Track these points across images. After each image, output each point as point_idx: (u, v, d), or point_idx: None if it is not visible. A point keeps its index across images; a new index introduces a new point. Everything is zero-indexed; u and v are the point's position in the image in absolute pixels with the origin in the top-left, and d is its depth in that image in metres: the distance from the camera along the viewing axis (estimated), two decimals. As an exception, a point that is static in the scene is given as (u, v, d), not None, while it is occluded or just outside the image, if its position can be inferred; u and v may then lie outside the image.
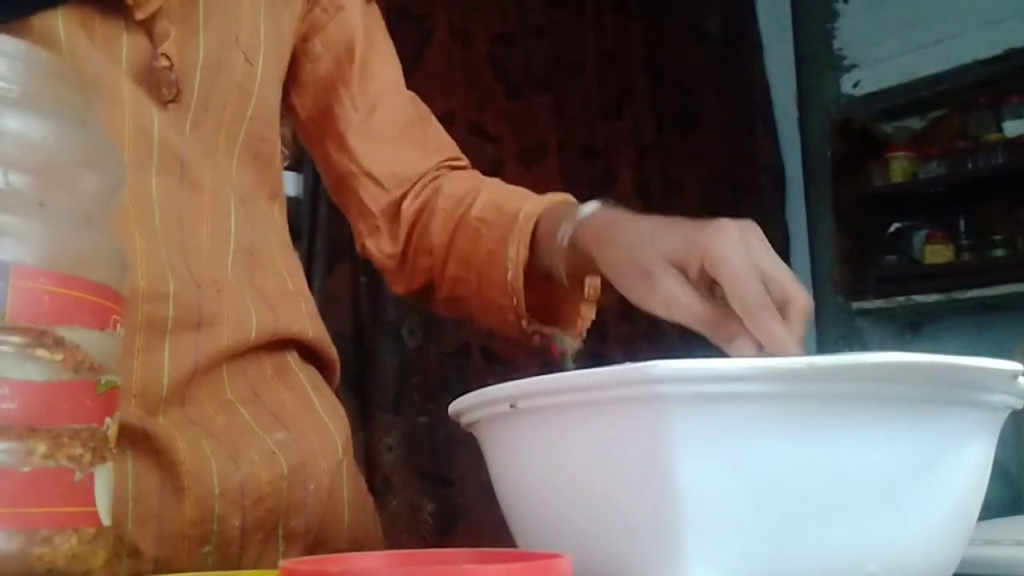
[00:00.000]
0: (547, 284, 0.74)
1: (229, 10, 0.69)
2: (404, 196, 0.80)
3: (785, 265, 0.57)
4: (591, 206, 0.68)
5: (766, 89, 3.06)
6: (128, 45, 0.64)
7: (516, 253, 0.72)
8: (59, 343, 0.34)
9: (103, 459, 0.36)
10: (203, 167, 0.67)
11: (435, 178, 0.82)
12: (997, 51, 2.64)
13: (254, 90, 0.70)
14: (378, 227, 0.81)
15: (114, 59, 0.63)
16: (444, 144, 0.85)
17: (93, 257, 0.37)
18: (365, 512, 0.75)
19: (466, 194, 0.78)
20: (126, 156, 0.63)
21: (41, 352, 0.34)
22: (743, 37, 3.05)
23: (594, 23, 2.70)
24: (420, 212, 0.80)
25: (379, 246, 0.81)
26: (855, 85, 2.94)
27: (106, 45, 0.63)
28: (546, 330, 0.75)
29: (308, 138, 0.83)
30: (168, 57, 0.64)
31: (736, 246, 0.56)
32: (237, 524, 0.65)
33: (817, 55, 3.02)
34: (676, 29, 2.91)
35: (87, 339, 0.36)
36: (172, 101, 0.65)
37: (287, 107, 0.81)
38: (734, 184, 2.88)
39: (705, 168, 2.84)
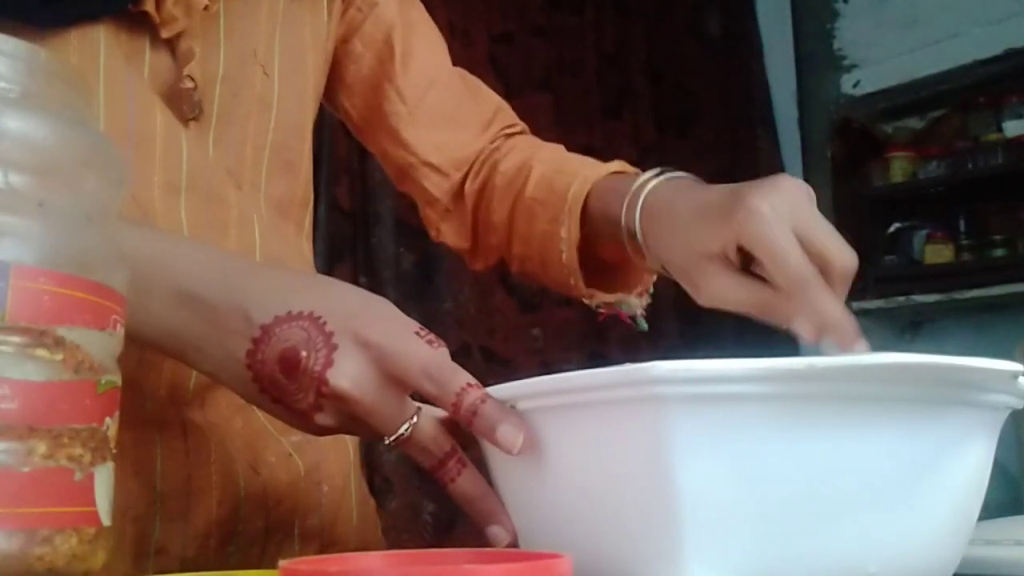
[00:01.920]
0: (606, 251, 0.74)
1: (248, 24, 0.69)
2: (465, 176, 0.81)
3: (825, 223, 0.56)
4: (648, 187, 0.66)
5: (766, 89, 3.05)
6: (151, 62, 0.64)
7: (568, 234, 0.72)
8: (59, 343, 0.34)
9: (103, 459, 0.36)
10: (227, 184, 0.67)
11: (493, 151, 0.82)
12: (997, 51, 2.64)
13: (273, 101, 0.70)
14: (448, 211, 0.81)
15: (141, 76, 0.64)
16: (498, 111, 0.85)
17: (93, 257, 0.37)
18: (369, 513, 0.76)
19: (519, 171, 0.78)
20: (156, 176, 0.63)
21: (41, 352, 0.34)
22: (743, 37, 3.04)
23: (594, 23, 2.70)
24: (481, 192, 0.80)
25: (450, 229, 0.82)
26: (855, 85, 2.94)
27: (132, 61, 0.63)
28: (610, 299, 0.75)
29: (364, 136, 0.83)
30: (192, 79, 0.64)
31: (766, 220, 0.55)
32: (261, 525, 0.66)
33: (817, 55, 3.02)
34: (676, 29, 2.91)
35: (87, 339, 0.36)
36: (193, 119, 0.65)
37: (339, 110, 0.82)
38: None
39: (705, 168, 2.82)
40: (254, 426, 0.67)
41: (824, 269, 0.55)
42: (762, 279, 0.57)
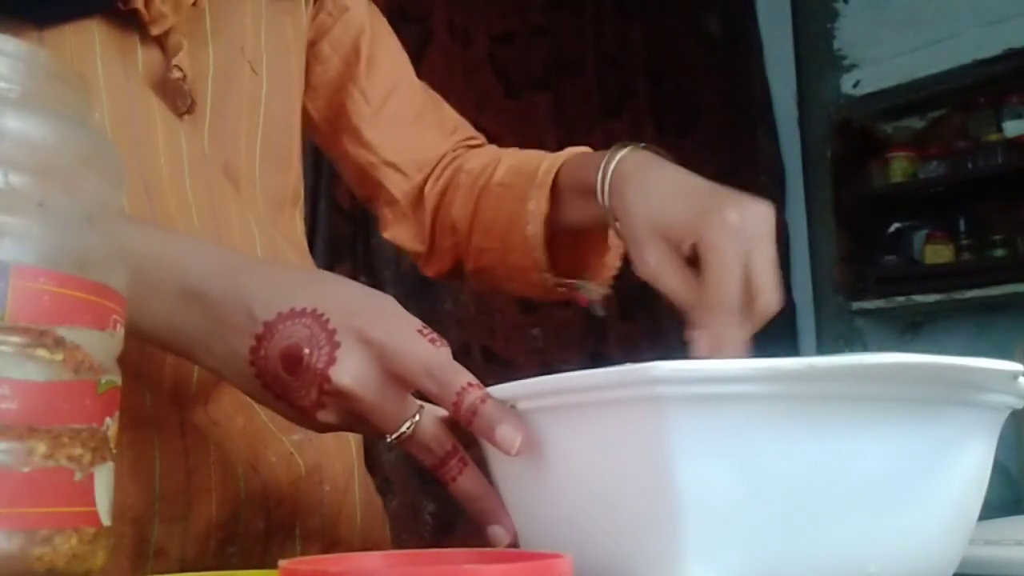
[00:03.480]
0: (570, 239, 0.74)
1: (234, 23, 0.70)
2: (425, 180, 0.81)
3: (773, 258, 0.58)
4: (620, 153, 0.67)
5: (766, 89, 3.06)
6: (143, 57, 0.65)
7: (536, 206, 0.72)
8: (59, 343, 0.34)
9: (103, 459, 0.36)
10: (222, 181, 0.68)
11: (454, 158, 0.83)
12: (997, 51, 2.64)
13: (261, 98, 0.71)
14: (404, 214, 0.82)
15: (135, 70, 0.64)
16: (459, 125, 0.86)
17: (93, 257, 0.37)
18: (375, 512, 0.76)
19: (487, 165, 0.79)
20: (162, 158, 0.64)
21: (41, 352, 0.34)
22: (743, 37, 3.05)
23: (594, 23, 2.70)
24: (443, 193, 0.81)
25: (406, 232, 0.82)
26: (855, 85, 2.94)
27: (126, 56, 0.64)
28: (569, 282, 0.75)
29: (323, 139, 0.84)
30: (181, 69, 0.65)
31: (731, 237, 0.57)
32: (261, 526, 0.66)
33: (817, 55, 3.02)
34: (676, 29, 2.91)
35: (87, 339, 0.36)
36: (187, 112, 0.66)
37: (302, 112, 0.82)
38: (734, 184, 2.87)
39: (705, 168, 2.80)
40: (256, 424, 0.67)
41: (750, 300, 0.57)
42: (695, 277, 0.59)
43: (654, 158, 0.67)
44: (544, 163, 0.74)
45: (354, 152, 0.81)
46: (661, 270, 0.60)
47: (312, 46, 0.79)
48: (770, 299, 0.57)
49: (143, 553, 0.62)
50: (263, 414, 0.67)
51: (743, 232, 0.57)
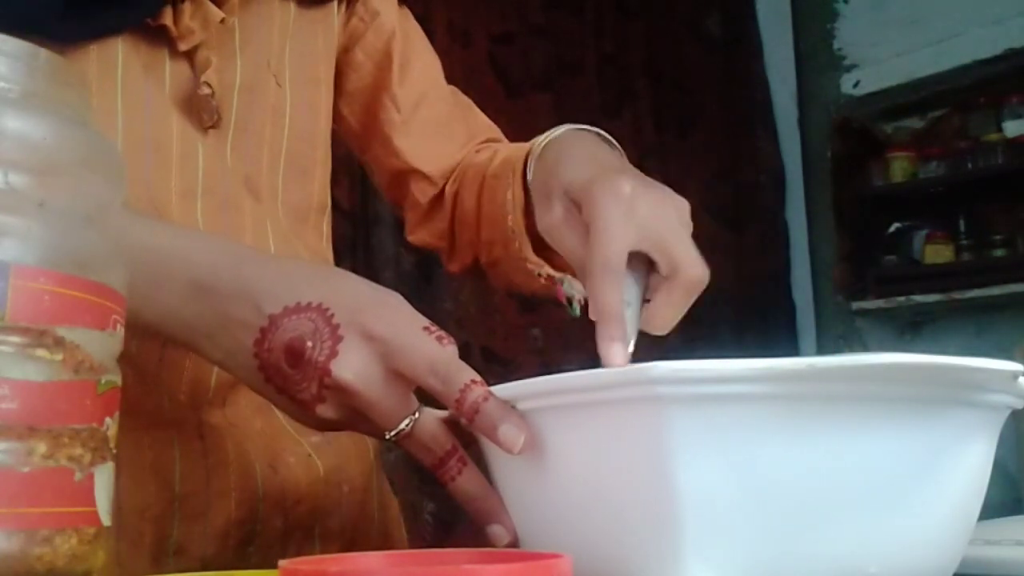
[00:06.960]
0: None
1: (262, 36, 0.70)
2: (446, 182, 0.82)
3: (686, 237, 0.56)
4: (560, 129, 0.68)
5: (766, 89, 3.05)
6: (171, 72, 0.65)
7: (512, 196, 0.71)
8: (59, 343, 0.34)
9: (103, 459, 0.36)
10: (243, 193, 0.68)
11: (468, 155, 0.83)
12: (997, 51, 2.64)
13: (286, 110, 0.71)
14: (428, 216, 0.83)
15: (159, 86, 0.65)
16: (487, 128, 0.86)
17: (93, 257, 0.37)
18: (391, 514, 0.76)
19: (488, 159, 0.79)
20: (173, 181, 0.64)
21: (41, 352, 0.34)
22: (743, 37, 3.04)
23: (594, 23, 2.70)
24: (458, 192, 0.81)
25: (428, 232, 0.83)
26: (855, 85, 2.94)
27: (151, 71, 0.65)
28: (550, 275, 0.73)
29: (359, 144, 0.84)
30: (210, 85, 0.65)
31: (616, 204, 0.55)
32: (279, 525, 0.67)
33: (817, 55, 3.02)
34: (676, 29, 2.91)
35: (87, 339, 0.36)
36: (212, 127, 0.67)
37: (338, 118, 0.83)
38: (734, 184, 2.88)
39: (705, 168, 2.83)
40: (274, 426, 0.68)
41: (672, 275, 0.55)
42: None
43: (590, 136, 0.67)
44: (521, 151, 0.73)
45: (385, 159, 0.82)
46: (559, 226, 0.59)
47: (346, 53, 0.80)
48: (693, 269, 0.55)
49: (164, 551, 0.63)
50: (281, 417, 0.68)
51: (633, 202, 0.55)
